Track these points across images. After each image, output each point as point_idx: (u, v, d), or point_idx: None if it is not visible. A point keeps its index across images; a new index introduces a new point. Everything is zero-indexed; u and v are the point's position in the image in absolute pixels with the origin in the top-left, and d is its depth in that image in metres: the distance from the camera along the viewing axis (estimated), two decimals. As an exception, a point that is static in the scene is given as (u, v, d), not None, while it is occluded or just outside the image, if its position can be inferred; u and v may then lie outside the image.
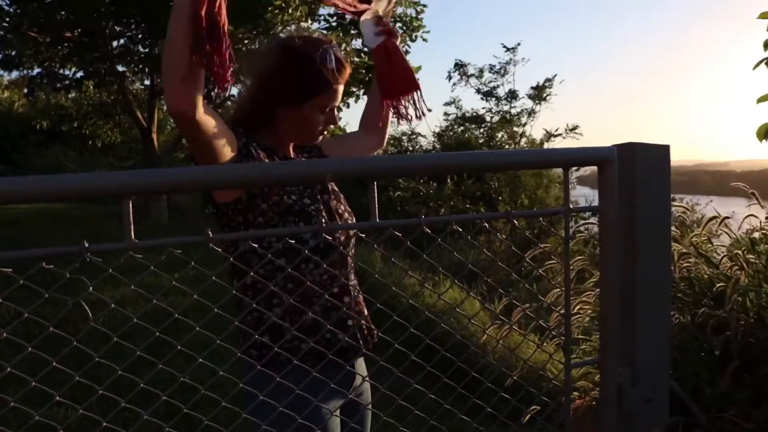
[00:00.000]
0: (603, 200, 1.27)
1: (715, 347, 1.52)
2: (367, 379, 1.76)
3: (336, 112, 1.75)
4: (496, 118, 15.33)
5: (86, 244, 0.84)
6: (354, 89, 11.36)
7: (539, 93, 14.89)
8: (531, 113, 15.02)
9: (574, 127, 14.74)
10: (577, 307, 1.79)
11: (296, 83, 1.66)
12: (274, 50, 1.69)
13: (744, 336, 1.58)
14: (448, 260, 6.57)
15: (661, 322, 1.40)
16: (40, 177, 0.81)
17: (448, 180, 11.61)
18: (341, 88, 1.72)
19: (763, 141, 1.95)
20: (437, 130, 15.80)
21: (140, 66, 13.07)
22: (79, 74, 13.51)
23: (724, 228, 1.86)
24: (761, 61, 2.01)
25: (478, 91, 15.39)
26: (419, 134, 15.50)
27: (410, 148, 15.06)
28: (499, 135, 14.92)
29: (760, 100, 1.97)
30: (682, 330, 1.64)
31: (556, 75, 15.05)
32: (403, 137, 15.20)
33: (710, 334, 1.59)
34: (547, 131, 14.95)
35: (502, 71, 15.06)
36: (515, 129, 15.03)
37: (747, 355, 1.56)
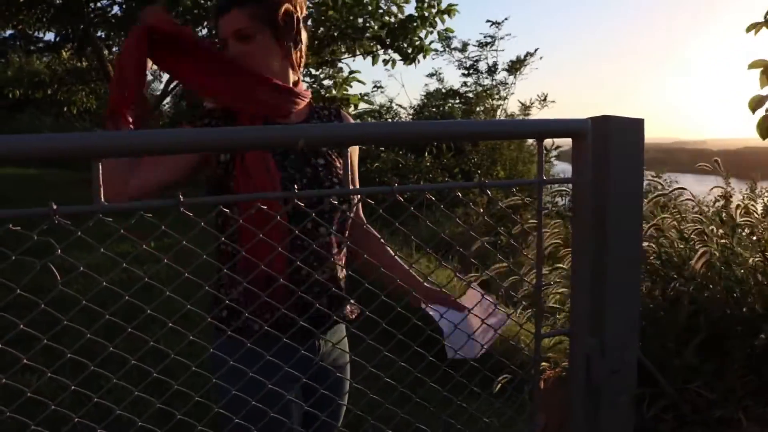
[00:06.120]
0: (576, 172, 1.28)
1: (680, 319, 1.55)
2: (337, 347, 1.73)
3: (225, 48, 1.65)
4: (475, 93, 15.19)
5: (54, 206, 0.83)
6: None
7: (516, 66, 14.75)
8: (503, 84, 14.87)
9: (545, 97, 14.64)
10: (552, 277, 1.80)
11: None
12: None
13: (711, 310, 1.61)
14: (427, 233, 6.56)
15: (631, 294, 1.42)
16: (2, 136, 0.79)
17: (426, 153, 11.57)
18: (221, 27, 1.64)
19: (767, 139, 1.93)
20: (417, 103, 15.72)
21: (117, 30, 12.75)
22: (54, 37, 13.15)
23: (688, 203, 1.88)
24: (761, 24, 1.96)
25: (461, 65, 15.23)
26: (399, 105, 15.39)
27: (389, 120, 14.94)
28: (478, 109, 14.82)
29: (751, 66, 1.97)
30: (653, 302, 1.66)
31: (537, 49, 14.87)
32: (382, 109, 15.09)
33: (686, 306, 1.62)
34: (522, 103, 14.86)
35: (488, 46, 14.88)
36: (494, 102, 14.94)
37: (714, 328, 1.58)
